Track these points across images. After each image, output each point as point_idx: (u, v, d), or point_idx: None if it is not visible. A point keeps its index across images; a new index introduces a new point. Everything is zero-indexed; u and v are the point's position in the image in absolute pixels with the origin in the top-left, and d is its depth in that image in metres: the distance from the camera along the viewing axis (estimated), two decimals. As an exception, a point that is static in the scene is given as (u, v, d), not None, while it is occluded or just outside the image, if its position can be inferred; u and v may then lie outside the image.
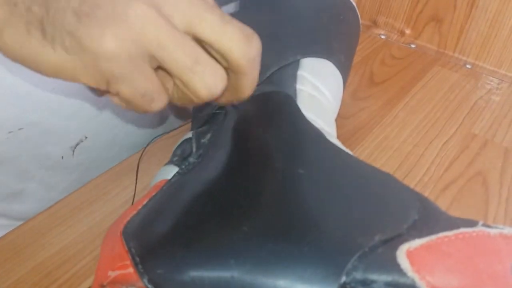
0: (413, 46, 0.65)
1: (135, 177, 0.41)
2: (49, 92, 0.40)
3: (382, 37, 0.67)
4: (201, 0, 0.22)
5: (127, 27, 0.21)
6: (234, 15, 0.37)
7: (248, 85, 0.25)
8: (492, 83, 0.59)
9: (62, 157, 0.45)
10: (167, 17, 0.21)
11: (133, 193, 0.40)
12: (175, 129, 0.44)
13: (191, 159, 0.30)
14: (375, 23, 0.69)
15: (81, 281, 0.34)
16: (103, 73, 0.22)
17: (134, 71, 0.22)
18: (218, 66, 0.23)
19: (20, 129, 0.40)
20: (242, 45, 0.23)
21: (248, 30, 0.23)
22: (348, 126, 0.50)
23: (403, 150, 0.47)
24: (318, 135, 0.30)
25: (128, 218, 0.26)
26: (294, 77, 0.35)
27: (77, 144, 0.45)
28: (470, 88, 0.57)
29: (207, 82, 0.22)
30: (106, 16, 0.21)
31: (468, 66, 0.61)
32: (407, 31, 0.66)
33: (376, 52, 0.63)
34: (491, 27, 0.60)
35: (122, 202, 0.40)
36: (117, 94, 0.23)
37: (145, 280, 0.22)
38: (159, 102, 0.23)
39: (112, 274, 0.23)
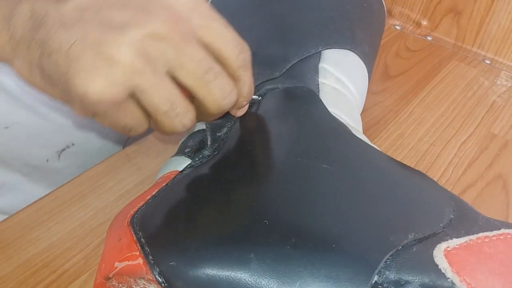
0: (429, 38, 0.65)
1: (131, 169, 0.41)
2: (39, 95, 0.40)
3: (397, 28, 0.67)
4: (209, 12, 0.28)
5: (112, 72, 0.24)
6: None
7: (245, 91, 0.29)
8: (512, 80, 0.59)
9: (47, 160, 0.46)
10: (152, 61, 0.25)
11: (130, 186, 0.39)
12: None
13: (205, 152, 0.30)
14: (390, 13, 0.69)
15: (71, 280, 0.33)
16: (89, 111, 0.26)
17: (115, 111, 0.26)
18: (190, 107, 0.27)
19: (6, 127, 0.42)
20: (238, 50, 0.28)
21: (240, 39, 0.29)
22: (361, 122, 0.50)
23: (419, 149, 0.47)
24: (343, 130, 0.30)
25: (135, 208, 0.26)
26: (316, 70, 0.34)
27: (63, 150, 0.46)
28: (488, 85, 0.58)
29: (181, 123, 0.27)
30: (93, 60, 0.24)
31: (487, 61, 0.62)
32: (424, 23, 0.66)
33: (390, 44, 0.63)
34: (514, 21, 0.60)
35: (117, 196, 0.39)
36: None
37: (156, 273, 0.22)
38: (137, 131, 0.28)
39: (119, 265, 0.23)
